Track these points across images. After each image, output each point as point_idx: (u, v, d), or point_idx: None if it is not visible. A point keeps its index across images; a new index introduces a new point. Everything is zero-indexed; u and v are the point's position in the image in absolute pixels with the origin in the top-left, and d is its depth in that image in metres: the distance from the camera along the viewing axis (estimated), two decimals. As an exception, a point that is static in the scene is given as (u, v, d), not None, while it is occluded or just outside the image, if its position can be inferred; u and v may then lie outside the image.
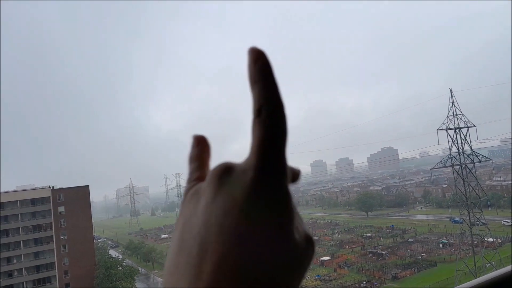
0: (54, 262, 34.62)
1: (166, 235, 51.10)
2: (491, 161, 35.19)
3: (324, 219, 55.43)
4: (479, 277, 0.88)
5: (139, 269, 37.02)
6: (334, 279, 29.70)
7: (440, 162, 29.90)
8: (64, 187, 36.31)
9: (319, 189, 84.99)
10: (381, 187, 66.70)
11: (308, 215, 63.70)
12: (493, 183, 53.27)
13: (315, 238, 0.23)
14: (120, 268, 33.45)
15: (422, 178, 72.59)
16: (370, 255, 33.99)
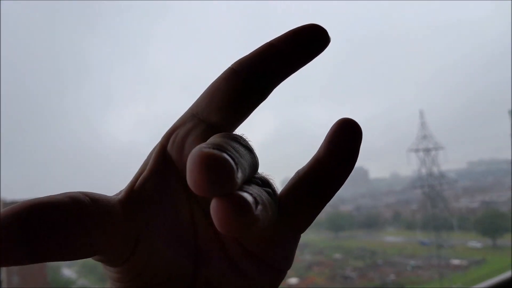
0: (2, 280, 31.99)
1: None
2: (458, 183, 35.60)
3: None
4: (480, 283, 0.85)
5: (96, 289, 34.77)
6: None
7: (410, 183, 29.86)
8: (16, 199, 33.91)
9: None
10: (351, 207, 66.56)
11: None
12: (460, 205, 53.98)
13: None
14: (74, 288, 31.25)
15: (392, 198, 73.10)
16: (339, 277, 33.27)
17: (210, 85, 0.17)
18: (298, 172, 0.17)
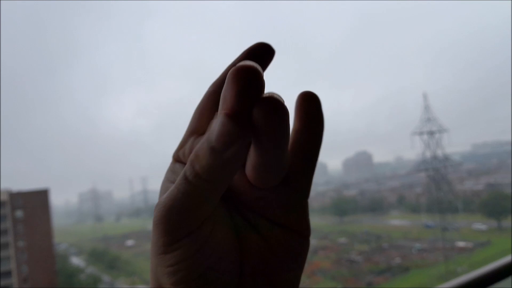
0: (12, 270, 32.51)
1: (131, 242, 48.91)
2: (462, 165, 35.50)
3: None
4: (474, 270, 0.83)
5: (103, 277, 35.23)
6: None
7: (414, 166, 29.77)
8: (22, 190, 34.11)
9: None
10: (355, 192, 66.58)
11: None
12: (465, 187, 53.85)
13: None
14: (83, 276, 31.85)
15: (396, 182, 73.02)
16: (344, 261, 33.40)
17: (197, 106, 0.20)
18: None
